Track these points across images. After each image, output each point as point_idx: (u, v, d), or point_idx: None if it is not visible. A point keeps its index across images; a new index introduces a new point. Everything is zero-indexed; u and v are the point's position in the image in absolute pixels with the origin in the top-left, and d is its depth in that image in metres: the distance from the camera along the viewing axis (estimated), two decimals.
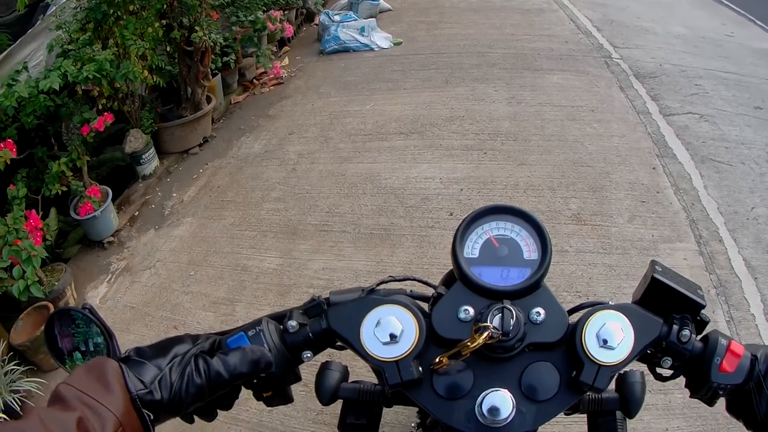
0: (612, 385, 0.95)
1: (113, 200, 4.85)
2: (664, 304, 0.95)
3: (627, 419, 1.10)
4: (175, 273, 4.47)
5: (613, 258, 4.20)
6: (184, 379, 0.84)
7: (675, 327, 0.93)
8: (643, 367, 1.04)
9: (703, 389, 0.94)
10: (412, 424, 2.75)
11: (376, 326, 0.92)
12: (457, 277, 0.98)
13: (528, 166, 5.22)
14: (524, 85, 6.93)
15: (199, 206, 5.15)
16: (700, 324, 0.97)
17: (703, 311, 0.96)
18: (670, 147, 5.74)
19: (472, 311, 0.93)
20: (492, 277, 0.97)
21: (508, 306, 0.90)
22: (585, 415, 1.14)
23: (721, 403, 1.00)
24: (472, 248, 1.00)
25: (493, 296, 0.94)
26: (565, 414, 0.98)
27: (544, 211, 4.62)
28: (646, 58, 8.22)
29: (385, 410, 1.19)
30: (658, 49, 8.74)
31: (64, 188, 4.41)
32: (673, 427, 3.05)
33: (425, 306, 1.06)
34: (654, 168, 5.32)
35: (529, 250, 1.00)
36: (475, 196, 4.83)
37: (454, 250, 0.99)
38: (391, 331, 0.91)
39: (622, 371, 0.96)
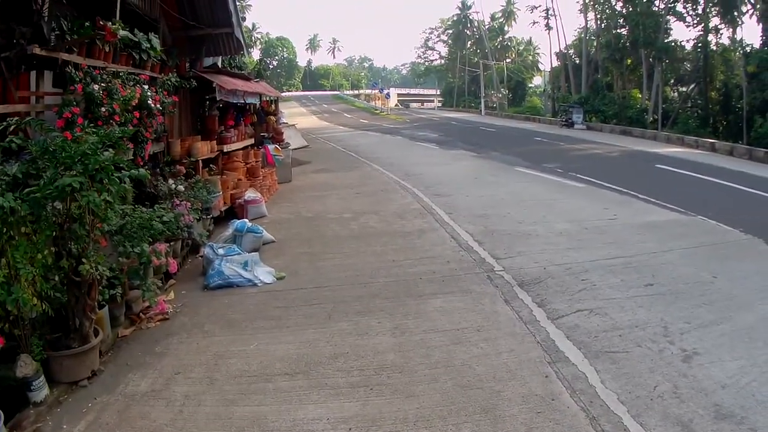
0: None
1: (5, 423, 4.89)
2: None
3: None
4: None
5: None
6: None
7: None
8: None
9: None
10: None
11: None
12: None
13: (416, 397, 5.46)
14: (407, 313, 7.42)
15: None
16: None
17: None
18: (561, 350, 6.21)
19: None
20: None
21: None
22: None
23: None
24: None
25: None
26: None
27: None
28: (530, 264, 9.05)
29: None
30: (542, 252, 9.63)
31: None
32: None
33: None
34: (547, 376, 5.71)
35: None
36: None
37: None
38: None
39: None
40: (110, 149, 6.31)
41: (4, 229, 5.24)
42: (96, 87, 7.59)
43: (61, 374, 6.02)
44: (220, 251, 9.64)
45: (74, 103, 7.26)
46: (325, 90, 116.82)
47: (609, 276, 8.33)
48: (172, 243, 9.31)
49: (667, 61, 42.47)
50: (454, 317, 7.22)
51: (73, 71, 7.50)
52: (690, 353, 6.00)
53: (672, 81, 45.84)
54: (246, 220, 11.47)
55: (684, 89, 45.69)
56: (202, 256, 10.14)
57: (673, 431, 4.72)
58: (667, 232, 10.70)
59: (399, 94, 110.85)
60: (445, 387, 5.61)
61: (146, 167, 7.33)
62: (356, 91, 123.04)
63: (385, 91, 79.63)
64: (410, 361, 6.16)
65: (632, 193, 14.74)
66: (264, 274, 9.17)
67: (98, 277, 6.23)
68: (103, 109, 7.58)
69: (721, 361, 5.80)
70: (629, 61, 47.62)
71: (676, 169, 19.72)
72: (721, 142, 27.50)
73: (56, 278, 6.11)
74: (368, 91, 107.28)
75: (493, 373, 5.82)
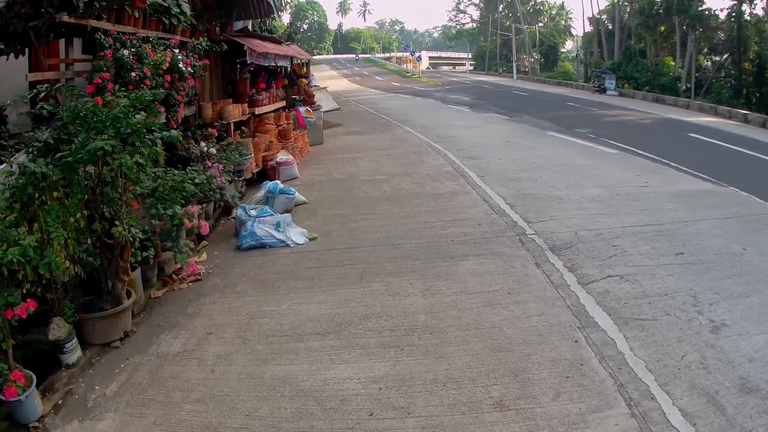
0: None
1: (37, 386, 4.99)
2: None
3: None
4: None
5: None
6: None
7: None
8: None
9: None
10: None
11: None
12: None
13: (446, 358, 5.49)
14: (439, 275, 7.42)
15: (121, 402, 5.20)
16: None
17: None
18: (591, 316, 6.17)
19: None
20: None
21: None
22: None
23: None
24: None
25: None
26: None
27: (465, 402, 4.82)
28: (562, 229, 8.97)
29: None
30: (573, 217, 9.54)
31: None
32: None
33: None
34: (576, 341, 5.69)
35: None
36: (394, 394, 5.02)
37: None
38: None
39: None
40: (142, 112, 6.32)
41: (36, 194, 5.30)
42: (126, 52, 7.62)
43: (94, 336, 6.13)
44: (253, 212, 9.69)
45: (104, 68, 7.29)
46: (356, 53, 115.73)
47: (640, 243, 8.22)
48: (204, 205, 9.39)
49: (700, 29, 41.33)
50: (485, 279, 7.21)
51: (103, 37, 7.51)
52: (718, 324, 5.91)
53: (705, 50, 44.66)
54: (278, 181, 11.51)
55: (717, 59, 44.56)
56: (234, 218, 10.21)
57: (699, 402, 4.68)
58: (699, 202, 10.50)
59: (430, 57, 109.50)
60: (475, 349, 5.63)
61: (178, 130, 7.31)
62: (387, 54, 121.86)
63: (417, 54, 78.58)
64: (441, 323, 6.18)
65: (664, 161, 14.46)
66: (296, 234, 9.22)
67: (131, 239, 6.30)
68: (133, 74, 7.61)
69: (749, 334, 5.70)
70: (663, 28, 46.37)
71: (709, 139, 19.28)
72: (755, 114, 26.75)
73: (89, 241, 6.22)
74: (399, 54, 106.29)
75: (523, 336, 5.82)
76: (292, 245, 8.95)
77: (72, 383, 5.52)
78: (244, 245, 8.97)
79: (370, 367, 5.48)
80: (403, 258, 8.10)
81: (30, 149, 5.96)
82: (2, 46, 7.31)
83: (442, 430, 4.54)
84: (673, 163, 14.12)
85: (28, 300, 4.95)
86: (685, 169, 13.50)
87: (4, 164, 5.70)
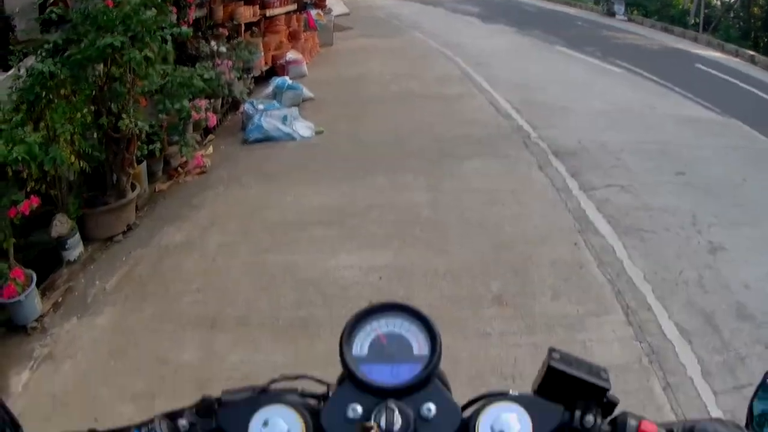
0: None
1: (37, 285, 4.96)
2: (566, 392, 0.98)
3: None
4: (95, 364, 4.51)
5: (538, 337, 4.45)
6: None
7: (578, 413, 0.96)
8: None
9: None
10: None
11: (263, 426, 0.97)
12: (346, 376, 1.03)
13: (448, 252, 5.54)
14: (444, 172, 7.41)
15: (120, 296, 5.24)
16: (609, 406, 0.99)
17: (610, 393, 0.98)
18: (591, 221, 6.20)
19: (360, 410, 0.97)
20: (382, 374, 1.01)
21: (392, 405, 0.95)
22: None
23: None
24: (360, 346, 1.06)
25: (381, 394, 0.98)
26: None
27: (465, 296, 4.90)
28: (566, 137, 8.90)
29: None
30: (578, 128, 9.46)
31: None
32: None
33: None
34: (575, 244, 5.73)
35: (419, 345, 1.05)
36: (395, 284, 5.08)
37: (342, 349, 1.04)
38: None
39: None
40: (153, 9, 6.10)
41: (44, 93, 5.15)
42: None
43: (97, 231, 6.06)
44: (260, 106, 9.55)
45: None
46: None
47: (643, 159, 8.17)
48: (212, 100, 9.20)
49: None
50: (488, 179, 7.22)
51: None
52: (716, 247, 5.89)
53: None
54: (287, 77, 11.33)
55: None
56: (242, 113, 10.05)
57: (695, 320, 4.72)
58: (703, 128, 10.38)
59: None
60: (476, 245, 5.67)
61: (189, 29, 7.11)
62: None
63: None
64: (444, 218, 6.21)
65: (670, 86, 14.23)
66: (303, 128, 9.12)
67: (137, 132, 6.20)
68: None
69: (747, 263, 5.66)
70: None
71: (716, 72, 18.89)
72: (761, 56, 26.21)
73: (95, 136, 6.10)
74: None
75: (524, 235, 5.85)
76: (298, 138, 8.87)
77: (72, 280, 5.47)
78: (251, 138, 8.89)
79: (371, 256, 5.51)
80: (409, 155, 8.06)
81: (39, 51, 5.76)
82: None
83: (440, 322, 4.54)
84: (678, 89, 13.93)
85: (32, 196, 4.84)
86: (691, 96, 13.27)
87: (12, 69, 5.55)
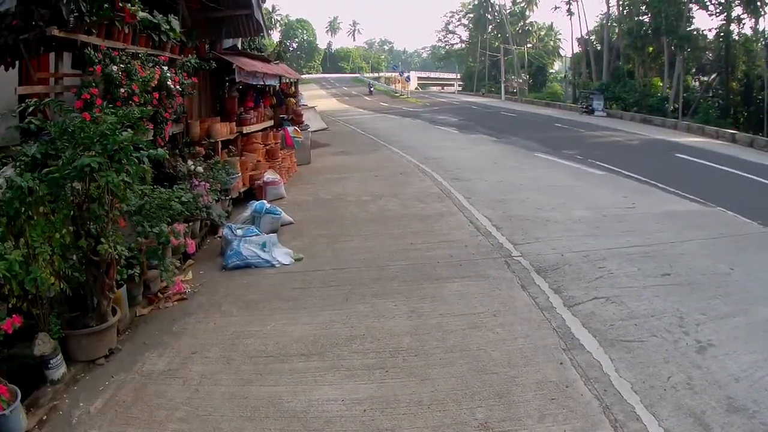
0: None
1: (22, 400, 4.95)
2: None
3: None
4: None
5: None
6: None
7: None
8: None
9: None
10: None
11: None
12: None
13: (431, 380, 5.50)
14: (424, 296, 7.44)
15: (105, 420, 5.15)
16: None
17: None
18: (577, 338, 6.22)
19: None
20: None
21: None
22: None
23: None
24: None
25: None
26: None
27: (450, 424, 4.82)
28: (548, 251, 9.05)
29: None
30: (560, 239, 9.63)
31: None
32: None
33: None
34: (561, 363, 5.72)
35: None
36: (379, 416, 5.01)
37: None
38: None
39: None
40: (129, 129, 6.35)
41: (23, 209, 5.30)
42: (115, 68, 7.63)
43: (79, 353, 6.12)
44: (239, 232, 9.70)
45: (93, 84, 7.31)
46: (345, 73, 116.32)
47: (626, 264, 8.31)
48: (190, 223, 9.38)
49: (688, 49, 41.96)
50: (470, 302, 7.24)
51: (92, 53, 7.53)
52: (705, 345, 5.97)
53: (693, 70, 45.38)
54: (265, 201, 11.51)
55: (705, 79, 45.23)
56: (220, 237, 10.20)
57: (685, 422, 4.72)
58: (686, 222, 10.64)
59: (419, 78, 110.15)
60: (460, 371, 5.64)
61: (166, 148, 7.35)
62: (376, 74, 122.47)
63: (405, 75, 79.01)
64: (426, 345, 6.19)
65: (651, 182, 14.65)
66: (282, 255, 9.22)
67: (117, 257, 6.32)
68: (122, 90, 7.64)
69: (736, 354, 5.78)
70: (651, 48, 47.08)
71: (696, 159, 19.53)
72: (742, 134, 27.15)
73: (74, 258, 6.21)
74: (388, 74, 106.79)
75: (508, 358, 5.84)
76: (277, 265, 8.96)
77: (57, 399, 5.50)
78: (230, 265, 8.97)
79: (354, 388, 5.47)
80: (389, 279, 8.12)
81: (17, 163, 5.97)
82: None
83: None
84: (660, 184, 14.31)
85: (14, 315, 4.95)
86: (672, 189, 13.67)
87: None
